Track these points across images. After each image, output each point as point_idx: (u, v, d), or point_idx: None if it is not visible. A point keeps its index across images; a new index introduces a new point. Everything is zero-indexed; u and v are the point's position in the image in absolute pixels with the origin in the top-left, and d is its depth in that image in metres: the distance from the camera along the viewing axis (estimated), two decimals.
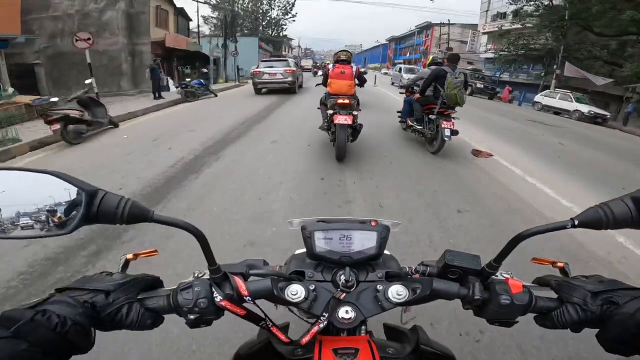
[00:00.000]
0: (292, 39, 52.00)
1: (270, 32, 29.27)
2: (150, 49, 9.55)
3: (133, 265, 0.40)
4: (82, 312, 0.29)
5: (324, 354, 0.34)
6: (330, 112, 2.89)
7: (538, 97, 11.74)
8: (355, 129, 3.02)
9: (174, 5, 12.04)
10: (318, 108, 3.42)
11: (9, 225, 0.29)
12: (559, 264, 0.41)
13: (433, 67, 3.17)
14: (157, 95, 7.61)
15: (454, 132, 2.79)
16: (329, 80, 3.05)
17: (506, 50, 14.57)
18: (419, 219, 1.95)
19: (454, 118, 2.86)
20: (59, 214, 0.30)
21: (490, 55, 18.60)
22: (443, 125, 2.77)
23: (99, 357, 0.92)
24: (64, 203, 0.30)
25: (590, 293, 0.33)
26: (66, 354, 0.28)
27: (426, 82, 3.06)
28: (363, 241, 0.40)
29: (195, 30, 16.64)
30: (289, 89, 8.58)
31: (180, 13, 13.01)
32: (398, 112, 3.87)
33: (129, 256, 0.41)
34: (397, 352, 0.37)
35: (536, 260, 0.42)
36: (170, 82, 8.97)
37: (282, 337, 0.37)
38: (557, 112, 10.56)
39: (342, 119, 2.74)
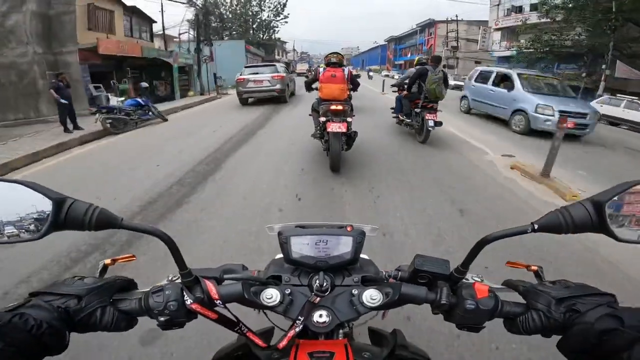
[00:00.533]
0: (286, 42, 51.09)
1: (261, 35, 27.91)
2: (81, 58, 7.58)
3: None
4: (56, 316, 0.32)
5: (300, 358, 0.36)
6: (322, 119, 2.82)
7: (594, 105, 9.69)
8: (349, 137, 2.99)
9: (123, 4, 10.11)
10: (310, 115, 3.30)
11: None
12: (532, 268, 0.42)
13: (418, 67, 3.74)
14: (68, 127, 5.10)
15: (438, 123, 3.38)
16: (319, 85, 2.96)
17: (531, 47, 13.06)
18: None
19: (438, 110, 3.46)
20: (28, 221, 0.33)
21: (507, 53, 17.34)
22: (427, 118, 3.40)
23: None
24: (33, 211, 0.33)
25: (554, 300, 0.34)
26: (40, 355, 0.31)
27: (411, 79, 3.71)
28: (339, 246, 0.43)
29: (171, 33, 15.26)
30: (279, 98, 7.96)
31: (135, 12, 11.05)
32: (391, 108, 4.60)
33: (107, 261, 0.43)
34: (373, 356, 0.39)
35: (510, 264, 0.45)
36: (115, 100, 6.67)
37: (259, 342, 0.39)
38: (615, 122, 8.74)
39: (335, 127, 2.69)
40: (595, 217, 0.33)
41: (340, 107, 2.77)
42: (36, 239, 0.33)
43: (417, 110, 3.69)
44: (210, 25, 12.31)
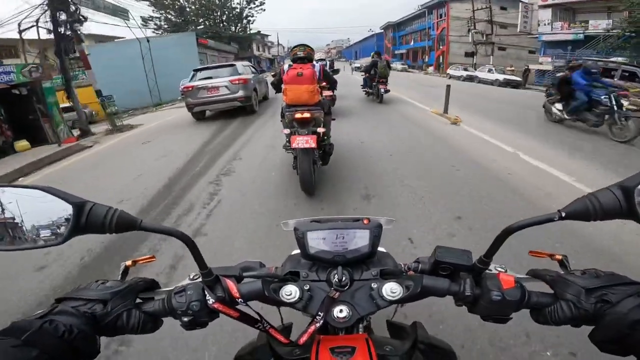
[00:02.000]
0: (268, 35, 49.24)
1: (234, 28, 26.34)
2: None
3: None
4: (84, 321, 0.37)
5: (321, 353, 0.41)
6: (286, 132, 2.64)
7: None
8: (325, 151, 2.84)
9: None
10: (281, 121, 2.94)
11: (3, 239, 0.37)
12: (557, 257, 0.45)
13: (372, 59, 7.29)
14: None
15: (387, 91, 7.04)
16: (283, 87, 2.70)
17: (628, 29, 11.11)
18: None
19: (387, 84, 7.16)
20: (50, 227, 0.38)
21: (563, 36, 15.11)
22: (380, 87, 6.94)
23: None
24: (54, 216, 0.37)
25: (584, 290, 0.37)
26: None
27: (368, 67, 7.31)
28: (356, 240, 0.48)
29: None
30: (244, 108, 7.08)
31: None
32: (361, 84, 8.38)
33: (128, 263, 0.48)
34: (395, 350, 0.44)
35: (534, 253, 0.47)
36: None
37: (281, 338, 0.43)
38: None
39: (301, 142, 2.44)
40: (624, 203, 0.35)
41: (307, 115, 2.56)
42: (58, 244, 0.38)
43: (374, 84, 7.29)
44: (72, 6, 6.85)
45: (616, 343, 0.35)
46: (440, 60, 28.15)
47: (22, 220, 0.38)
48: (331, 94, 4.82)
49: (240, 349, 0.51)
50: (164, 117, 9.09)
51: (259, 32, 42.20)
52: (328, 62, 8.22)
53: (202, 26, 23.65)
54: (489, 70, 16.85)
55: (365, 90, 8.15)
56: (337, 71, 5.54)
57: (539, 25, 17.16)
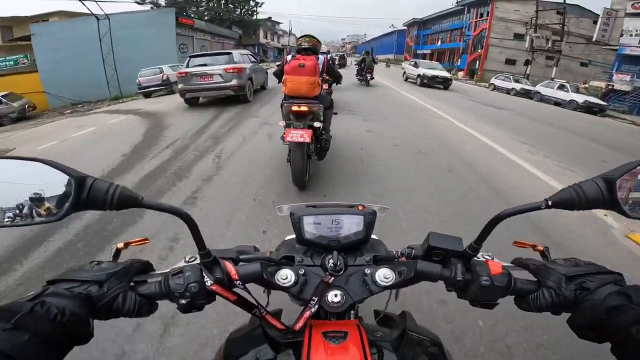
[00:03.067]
0: (279, 23, 49.76)
1: (240, 11, 27.33)
2: None
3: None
4: (78, 303, 0.39)
5: (314, 338, 0.46)
6: (281, 124, 2.85)
7: None
8: (321, 146, 3.04)
9: None
10: (280, 120, 3.10)
11: (1, 213, 0.38)
12: (539, 247, 0.53)
13: (363, 56, 12.78)
14: None
15: (372, 78, 12.68)
16: (284, 77, 2.84)
17: None
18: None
19: (372, 73, 12.80)
20: (49, 201, 0.39)
21: None
22: (367, 75, 12.35)
23: None
24: (54, 190, 0.39)
25: (564, 277, 0.44)
26: (67, 344, 0.38)
27: (360, 62, 12.77)
28: (351, 225, 0.54)
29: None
30: (237, 97, 7.83)
31: None
32: (355, 74, 13.30)
33: (120, 245, 0.51)
34: (385, 336, 0.51)
35: (518, 244, 0.55)
36: None
37: (277, 324, 0.49)
38: None
39: (296, 136, 2.59)
40: (606, 194, 0.42)
41: (304, 109, 2.66)
42: (57, 220, 0.40)
43: (363, 73, 11.95)
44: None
45: (593, 329, 0.40)
46: (475, 66, 27.37)
47: (19, 194, 0.38)
48: (327, 87, 5.14)
49: (232, 331, 0.56)
50: (98, 123, 7.31)
51: (269, 18, 42.22)
52: (332, 56, 10.65)
53: (203, 6, 24.46)
54: (561, 87, 14.02)
55: (358, 78, 13.08)
56: (342, 64, 9.30)
57: (621, 35, 15.65)
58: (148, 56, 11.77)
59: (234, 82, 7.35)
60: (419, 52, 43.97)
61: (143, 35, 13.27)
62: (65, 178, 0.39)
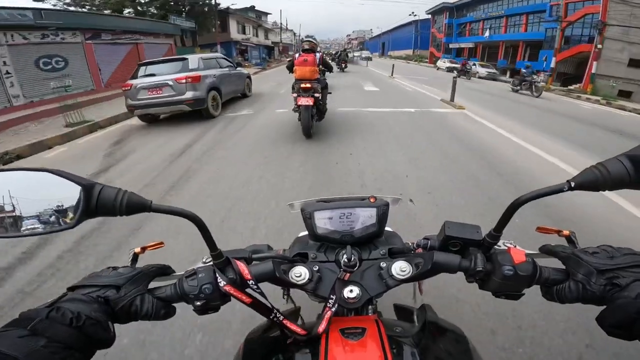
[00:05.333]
0: (266, 14, 48.62)
1: None
2: None
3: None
4: (96, 307, 0.49)
5: (332, 334, 0.56)
6: (294, 95, 5.90)
7: None
8: (319, 110, 6.30)
9: None
10: (292, 94, 6.12)
11: (14, 225, 0.48)
12: (564, 232, 0.62)
13: (341, 51, 29.45)
14: None
15: (346, 66, 25.80)
16: (294, 68, 5.98)
17: None
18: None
19: (347, 63, 26.67)
20: (60, 210, 0.49)
21: None
22: (343, 65, 25.20)
23: None
24: (65, 199, 0.49)
25: (596, 271, 0.49)
26: (88, 348, 0.47)
27: (337, 55, 27.71)
28: (363, 218, 0.68)
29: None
30: (198, 111, 8.10)
31: None
32: (336, 64, 25.10)
33: (137, 250, 0.65)
34: (405, 331, 0.61)
35: (541, 230, 0.65)
36: None
37: (297, 329, 0.58)
38: None
39: (304, 101, 5.63)
40: (633, 173, 0.46)
41: (308, 85, 5.61)
42: (70, 228, 0.50)
43: (343, 64, 25.35)
44: None
45: (623, 328, 0.46)
46: (565, 68, 23.05)
47: (31, 205, 0.49)
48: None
49: (250, 331, 0.69)
50: None
51: (252, 7, 41.13)
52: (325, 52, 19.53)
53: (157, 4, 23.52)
54: None
55: (338, 66, 23.52)
56: (344, 59, 24.49)
57: None
58: None
59: (188, 94, 7.60)
60: (451, 46, 42.52)
61: None
62: (74, 187, 0.48)
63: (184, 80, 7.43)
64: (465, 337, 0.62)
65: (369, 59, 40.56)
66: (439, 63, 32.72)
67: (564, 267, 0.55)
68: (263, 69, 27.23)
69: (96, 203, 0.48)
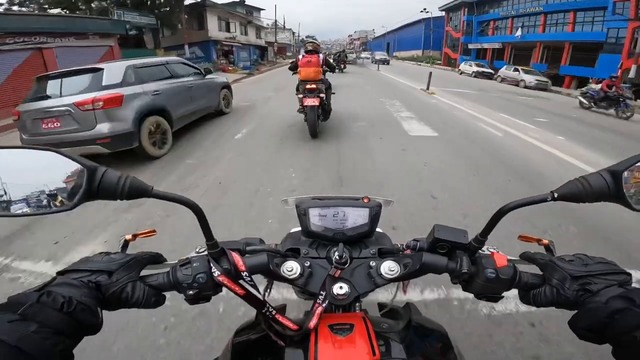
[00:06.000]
0: (259, 9, 43.65)
1: None
2: None
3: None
4: (87, 292, 0.52)
5: (321, 330, 0.61)
6: (300, 96, 6.40)
7: None
8: (325, 110, 6.81)
9: None
10: (296, 94, 6.64)
11: (14, 203, 0.51)
12: (544, 242, 0.71)
13: (340, 52, 31.36)
14: None
15: (345, 67, 27.41)
16: (299, 69, 6.39)
17: None
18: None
19: (345, 63, 28.88)
20: (61, 190, 0.52)
21: None
22: (342, 66, 26.47)
23: None
24: (66, 179, 0.52)
25: (570, 277, 0.57)
26: (77, 334, 0.50)
27: (336, 56, 28.43)
28: (356, 218, 0.75)
29: None
30: (124, 152, 5.61)
31: None
32: (336, 66, 16.80)
33: (128, 237, 0.69)
34: (391, 328, 0.68)
35: (523, 238, 0.74)
36: None
37: (290, 324, 0.63)
38: None
39: (310, 102, 6.09)
40: (612, 187, 0.54)
41: (313, 86, 6.19)
42: (69, 209, 0.52)
43: (342, 65, 27.13)
44: None
45: (594, 332, 0.52)
46: (630, 74, 18.02)
47: (33, 184, 0.52)
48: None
49: (239, 327, 0.78)
50: None
51: (241, 1, 37.75)
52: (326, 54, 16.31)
53: None
54: None
55: (337, 67, 20.24)
56: (345, 60, 27.96)
57: None
58: None
59: (100, 128, 4.99)
60: (471, 46, 39.87)
61: None
62: (77, 168, 0.52)
63: (89, 106, 4.88)
64: (447, 335, 0.71)
65: (384, 62, 38.44)
66: (463, 67, 30.55)
67: (541, 273, 0.64)
68: (250, 74, 23.72)
69: (98, 185, 0.52)
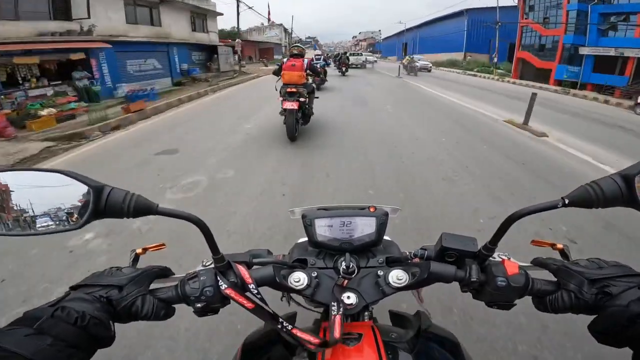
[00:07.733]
0: None
1: None
2: None
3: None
4: (99, 306, 0.55)
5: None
6: (280, 99, 6.77)
7: None
8: (305, 114, 7.35)
9: None
10: (278, 98, 7.03)
11: (25, 224, 0.54)
12: (558, 246, 0.71)
13: (341, 54, 29.77)
14: None
15: (347, 70, 27.38)
16: (282, 72, 6.84)
17: None
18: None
19: (347, 66, 27.86)
20: (70, 211, 0.56)
21: None
22: (342, 67, 27.08)
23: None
24: (74, 200, 0.55)
25: (587, 280, 0.58)
26: (90, 347, 0.53)
27: (338, 58, 29.00)
28: (363, 227, 0.76)
29: None
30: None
31: None
32: (336, 67, 29.03)
33: (139, 250, 0.73)
34: (400, 337, 0.68)
35: (536, 243, 0.74)
36: None
37: (311, 338, 0.60)
38: None
39: (288, 105, 6.42)
40: (625, 191, 0.54)
41: (294, 90, 6.58)
42: (77, 229, 0.56)
43: (343, 67, 27.03)
44: None
45: (614, 335, 0.53)
46: None
47: (42, 204, 0.55)
48: (317, 78, 11.86)
49: (248, 335, 0.78)
50: None
51: None
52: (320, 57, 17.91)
53: None
54: None
55: (338, 69, 26.72)
56: (345, 63, 25.51)
57: None
58: None
59: None
60: (584, 51, 22.55)
61: None
62: (84, 188, 0.54)
63: None
64: (459, 344, 0.71)
65: (426, 69, 32.97)
66: None
67: (555, 278, 0.64)
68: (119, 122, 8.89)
69: (105, 204, 0.55)
